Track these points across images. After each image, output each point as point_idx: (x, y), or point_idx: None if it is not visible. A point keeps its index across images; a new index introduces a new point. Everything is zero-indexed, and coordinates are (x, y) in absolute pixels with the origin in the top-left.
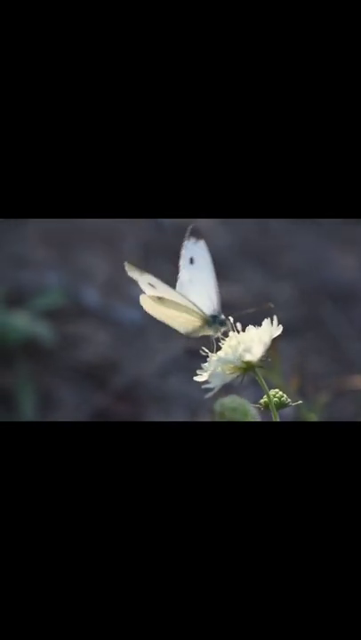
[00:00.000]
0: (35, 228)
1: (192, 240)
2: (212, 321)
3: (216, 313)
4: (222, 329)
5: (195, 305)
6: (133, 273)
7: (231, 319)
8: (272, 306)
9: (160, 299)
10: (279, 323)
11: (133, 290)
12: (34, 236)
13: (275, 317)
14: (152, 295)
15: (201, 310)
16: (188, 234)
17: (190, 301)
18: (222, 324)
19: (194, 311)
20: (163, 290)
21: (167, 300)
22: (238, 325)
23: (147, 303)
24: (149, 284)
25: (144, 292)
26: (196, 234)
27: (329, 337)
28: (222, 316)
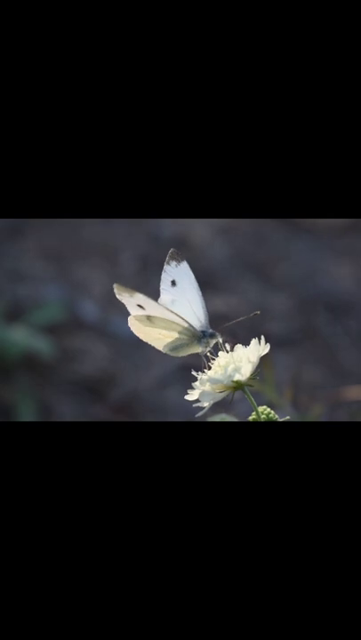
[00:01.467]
0: (32, 242)
1: (173, 264)
2: (202, 335)
3: (205, 329)
4: (213, 342)
5: (185, 320)
6: (122, 295)
7: (220, 339)
8: (258, 313)
9: (149, 318)
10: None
11: None
12: (32, 250)
13: (262, 337)
14: (140, 315)
15: (191, 326)
16: (167, 258)
17: (181, 317)
18: (213, 336)
19: (184, 327)
20: (152, 308)
21: (156, 318)
22: (227, 345)
23: (134, 325)
24: (138, 305)
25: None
26: (177, 257)
27: (325, 347)
28: (210, 330)
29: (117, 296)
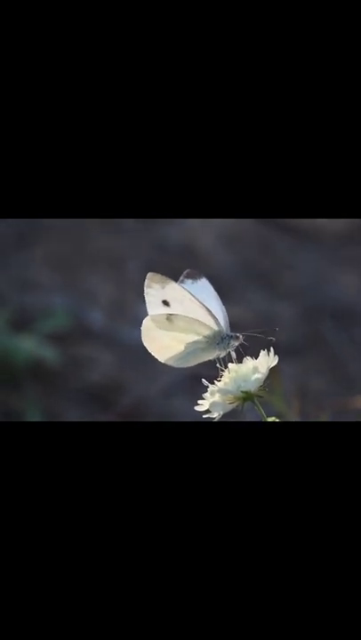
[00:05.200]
0: (39, 251)
1: (188, 282)
2: (225, 336)
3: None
4: (234, 344)
5: (214, 316)
6: (152, 286)
7: (241, 337)
8: (277, 329)
9: (168, 318)
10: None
11: (138, 311)
12: (39, 258)
13: (271, 348)
14: (160, 315)
15: (219, 324)
16: (182, 278)
17: (211, 313)
18: (236, 338)
19: (208, 326)
20: (181, 301)
21: (178, 318)
22: (234, 355)
23: (148, 328)
24: (164, 301)
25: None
26: (194, 275)
27: (331, 356)
28: (234, 333)
29: (145, 289)
